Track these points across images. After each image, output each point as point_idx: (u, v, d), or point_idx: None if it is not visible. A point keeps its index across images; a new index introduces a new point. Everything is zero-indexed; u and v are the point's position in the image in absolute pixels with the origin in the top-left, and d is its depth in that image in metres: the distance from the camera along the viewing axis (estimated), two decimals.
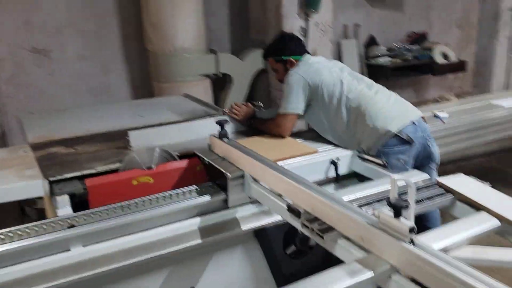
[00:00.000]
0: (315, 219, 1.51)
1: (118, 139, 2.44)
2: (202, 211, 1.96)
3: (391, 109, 2.29)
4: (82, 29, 4.41)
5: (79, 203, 2.00)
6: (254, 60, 4.43)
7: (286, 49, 2.54)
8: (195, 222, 1.93)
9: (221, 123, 2.14)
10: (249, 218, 2.01)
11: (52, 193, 2.01)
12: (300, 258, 2.12)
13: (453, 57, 6.04)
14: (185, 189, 2.01)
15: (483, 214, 1.53)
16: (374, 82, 2.45)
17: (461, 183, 1.74)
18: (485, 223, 1.48)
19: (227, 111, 2.71)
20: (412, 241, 1.21)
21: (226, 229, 1.96)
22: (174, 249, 1.82)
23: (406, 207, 1.23)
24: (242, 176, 1.96)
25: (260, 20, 4.44)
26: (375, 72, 5.57)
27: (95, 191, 2.03)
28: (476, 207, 1.59)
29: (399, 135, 2.22)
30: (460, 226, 1.46)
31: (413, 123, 2.26)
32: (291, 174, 1.73)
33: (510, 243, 1.54)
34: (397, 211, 1.23)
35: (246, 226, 1.98)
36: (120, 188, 2.07)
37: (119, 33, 4.56)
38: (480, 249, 1.37)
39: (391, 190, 1.28)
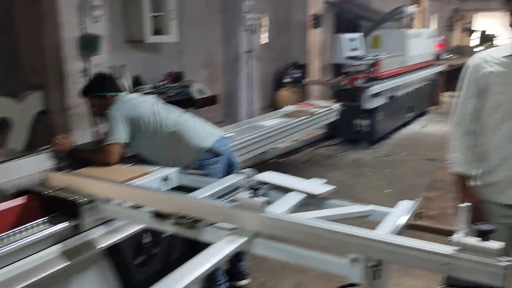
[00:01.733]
0: (183, 217, 1.88)
1: None
2: (54, 241, 2.08)
3: (201, 130, 2.82)
4: None
5: None
6: (33, 102, 4.37)
7: (105, 87, 2.80)
8: (46, 253, 2.03)
9: (59, 157, 2.28)
10: (102, 238, 2.21)
11: None
12: (148, 265, 2.41)
13: (207, 92, 7.01)
14: (32, 223, 2.09)
15: (293, 193, 2.17)
16: (183, 111, 2.94)
17: (270, 176, 2.36)
18: (296, 198, 2.12)
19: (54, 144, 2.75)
20: (264, 212, 1.74)
21: (80, 253, 2.12)
22: (28, 282, 1.89)
23: (259, 188, 1.76)
24: (92, 200, 2.16)
25: (36, 63, 4.41)
26: None
27: None
28: (286, 190, 2.23)
29: (212, 149, 2.75)
30: (284, 202, 2.06)
31: (219, 139, 2.84)
32: (148, 187, 2.05)
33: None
34: (255, 191, 1.74)
35: (99, 245, 2.18)
36: None
37: None
38: (299, 213, 1.98)
39: (248, 181, 1.80)
